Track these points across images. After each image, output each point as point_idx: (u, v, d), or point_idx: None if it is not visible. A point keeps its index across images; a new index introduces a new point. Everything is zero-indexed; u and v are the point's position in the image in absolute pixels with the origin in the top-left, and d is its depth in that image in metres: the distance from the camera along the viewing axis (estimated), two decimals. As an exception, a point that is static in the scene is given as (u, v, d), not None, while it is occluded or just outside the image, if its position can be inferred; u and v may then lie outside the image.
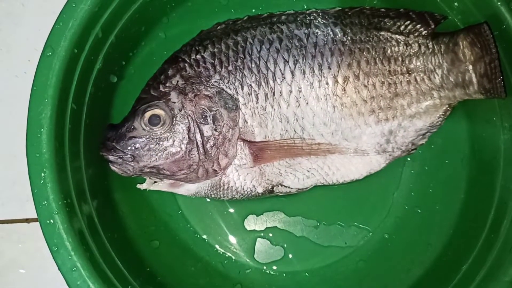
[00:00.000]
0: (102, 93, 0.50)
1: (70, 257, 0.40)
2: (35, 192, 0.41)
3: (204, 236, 0.56)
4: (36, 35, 0.62)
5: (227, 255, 0.56)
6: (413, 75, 0.49)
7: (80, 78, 0.45)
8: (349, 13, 0.50)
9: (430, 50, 0.49)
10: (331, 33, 0.48)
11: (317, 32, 0.48)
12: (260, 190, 0.49)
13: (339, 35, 0.48)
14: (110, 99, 0.53)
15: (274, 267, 0.55)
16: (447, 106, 0.49)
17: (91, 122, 0.48)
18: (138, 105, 0.47)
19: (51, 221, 0.41)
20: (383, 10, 0.50)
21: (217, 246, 0.56)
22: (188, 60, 0.48)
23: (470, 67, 0.47)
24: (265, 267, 0.55)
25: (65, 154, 0.43)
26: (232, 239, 0.56)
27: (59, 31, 0.43)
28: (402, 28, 0.49)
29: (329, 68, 0.47)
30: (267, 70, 0.47)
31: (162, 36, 0.55)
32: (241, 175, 0.48)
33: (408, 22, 0.49)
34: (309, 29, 0.48)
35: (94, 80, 0.48)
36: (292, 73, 0.47)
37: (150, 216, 0.55)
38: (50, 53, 0.42)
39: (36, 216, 0.57)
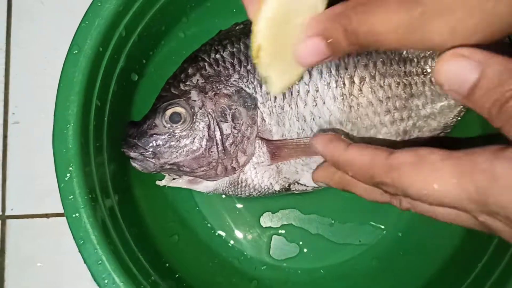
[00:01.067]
0: (124, 91, 0.50)
1: (95, 251, 0.40)
2: (62, 187, 0.41)
3: (221, 233, 0.56)
4: (54, 33, 0.62)
5: (243, 252, 0.56)
6: (428, 76, 0.49)
7: (104, 76, 0.46)
8: (366, 15, 0.51)
9: (446, 51, 0.49)
10: (348, 34, 0.49)
11: (334, 33, 0.49)
12: (277, 187, 0.50)
13: (356, 36, 0.49)
14: (131, 97, 0.53)
15: (290, 264, 0.56)
16: (461, 107, 0.50)
17: (113, 118, 0.48)
18: (159, 103, 0.48)
19: (77, 215, 0.41)
20: (399, 12, 0.51)
21: (233, 243, 0.56)
22: (207, 60, 0.49)
23: (486, 68, 0.48)
24: (280, 264, 0.56)
25: (90, 149, 0.44)
26: (248, 236, 0.56)
27: (85, 30, 0.43)
28: (418, 29, 0.50)
29: (346, 69, 0.48)
30: (285, 70, 0.48)
31: (181, 36, 0.56)
32: (258, 173, 0.49)
33: (424, 23, 0.50)
34: (326, 30, 0.49)
35: (117, 78, 0.48)
36: (310, 73, 0.48)
37: (169, 212, 0.55)
38: (76, 51, 0.43)
39: (56, 211, 0.59)
